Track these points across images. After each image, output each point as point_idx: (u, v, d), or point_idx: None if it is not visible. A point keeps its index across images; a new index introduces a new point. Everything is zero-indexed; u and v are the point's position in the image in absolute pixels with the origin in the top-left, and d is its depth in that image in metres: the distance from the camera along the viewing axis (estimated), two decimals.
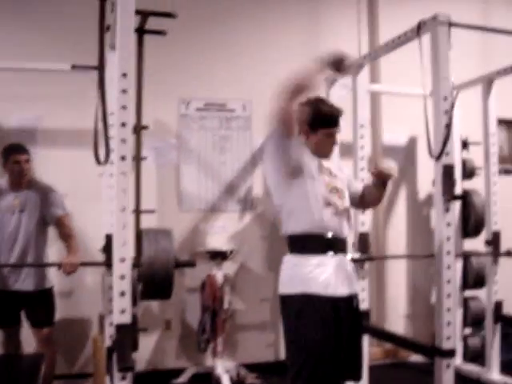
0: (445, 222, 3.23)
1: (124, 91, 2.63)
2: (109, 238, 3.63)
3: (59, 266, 3.62)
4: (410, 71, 3.81)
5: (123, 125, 2.62)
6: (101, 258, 3.92)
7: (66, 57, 4.23)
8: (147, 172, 4.16)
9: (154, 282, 3.00)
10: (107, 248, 3.65)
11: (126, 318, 2.62)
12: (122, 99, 2.63)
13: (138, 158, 2.97)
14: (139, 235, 3.06)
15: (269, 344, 5.11)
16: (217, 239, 4.92)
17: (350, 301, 2.81)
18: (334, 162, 3.08)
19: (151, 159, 4.65)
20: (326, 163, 2.92)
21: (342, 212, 2.85)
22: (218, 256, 4.65)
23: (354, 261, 3.60)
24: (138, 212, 3.03)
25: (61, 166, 4.59)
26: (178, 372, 4.75)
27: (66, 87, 4.58)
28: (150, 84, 4.24)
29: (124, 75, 2.63)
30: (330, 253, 2.76)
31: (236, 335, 4.99)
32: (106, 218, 3.76)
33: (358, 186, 3.12)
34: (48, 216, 4.01)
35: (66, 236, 4.01)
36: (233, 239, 4.98)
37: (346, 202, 2.92)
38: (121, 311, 2.61)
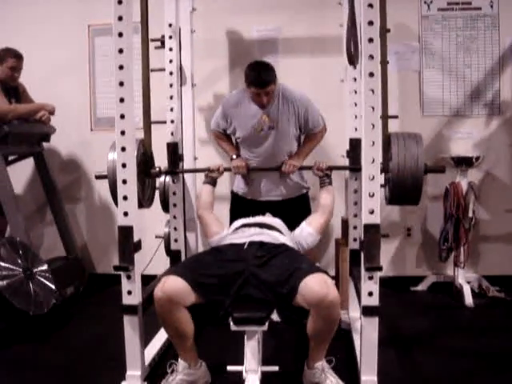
0: None
1: None
2: (353, 142, 3.67)
3: None
4: None
5: (370, 23, 2.58)
6: (343, 163, 3.99)
7: None
8: (389, 77, 4.09)
9: (402, 187, 2.95)
10: (351, 152, 3.70)
11: (375, 219, 2.64)
12: None
13: (383, 62, 2.89)
14: (387, 140, 3.00)
15: None
16: (461, 145, 4.71)
17: None
18: None
19: (392, 63, 4.49)
20: None
21: None
22: (463, 162, 4.47)
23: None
24: (384, 117, 2.97)
25: (302, 73, 4.69)
26: (417, 279, 4.81)
27: None
28: None
29: None
30: None
31: (479, 246, 4.83)
32: (349, 123, 3.79)
33: None
34: None
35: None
36: (478, 146, 4.71)
37: None
38: (370, 211, 2.64)
